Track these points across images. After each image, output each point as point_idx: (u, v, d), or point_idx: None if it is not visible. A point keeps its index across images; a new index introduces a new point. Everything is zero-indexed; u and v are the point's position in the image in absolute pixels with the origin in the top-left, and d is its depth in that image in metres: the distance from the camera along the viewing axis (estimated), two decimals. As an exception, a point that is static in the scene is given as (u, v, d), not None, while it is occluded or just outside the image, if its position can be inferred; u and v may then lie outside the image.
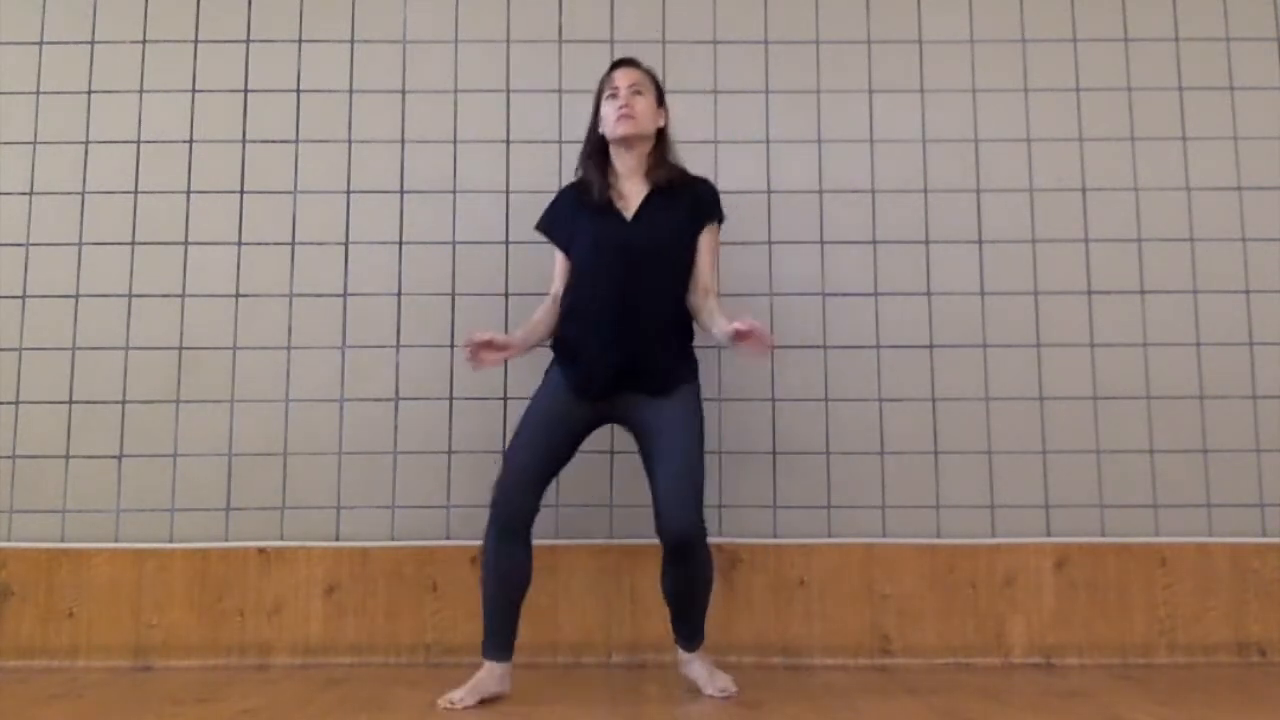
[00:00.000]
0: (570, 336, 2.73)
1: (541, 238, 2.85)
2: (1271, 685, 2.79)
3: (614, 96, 2.74)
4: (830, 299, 3.25)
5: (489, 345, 2.67)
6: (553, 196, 2.88)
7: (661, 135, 2.79)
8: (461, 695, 2.56)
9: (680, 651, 2.75)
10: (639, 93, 2.74)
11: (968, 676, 2.92)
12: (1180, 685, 2.77)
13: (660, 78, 2.85)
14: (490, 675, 2.62)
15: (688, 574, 2.64)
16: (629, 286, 2.66)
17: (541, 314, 2.80)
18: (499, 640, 2.64)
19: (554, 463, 2.69)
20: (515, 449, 2.67)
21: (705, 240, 2.77)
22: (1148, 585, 3.11)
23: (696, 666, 2.73)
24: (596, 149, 2.79)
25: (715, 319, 2.68)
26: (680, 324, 2.74)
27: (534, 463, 2.65)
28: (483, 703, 2.57)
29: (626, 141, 2.74)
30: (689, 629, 2.72)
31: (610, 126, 2.74)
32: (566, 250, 2.80)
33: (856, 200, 3.28)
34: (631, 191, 2.76)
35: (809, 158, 3.29)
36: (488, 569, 2.65)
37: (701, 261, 2.76)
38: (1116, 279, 3.26)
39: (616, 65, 2.81)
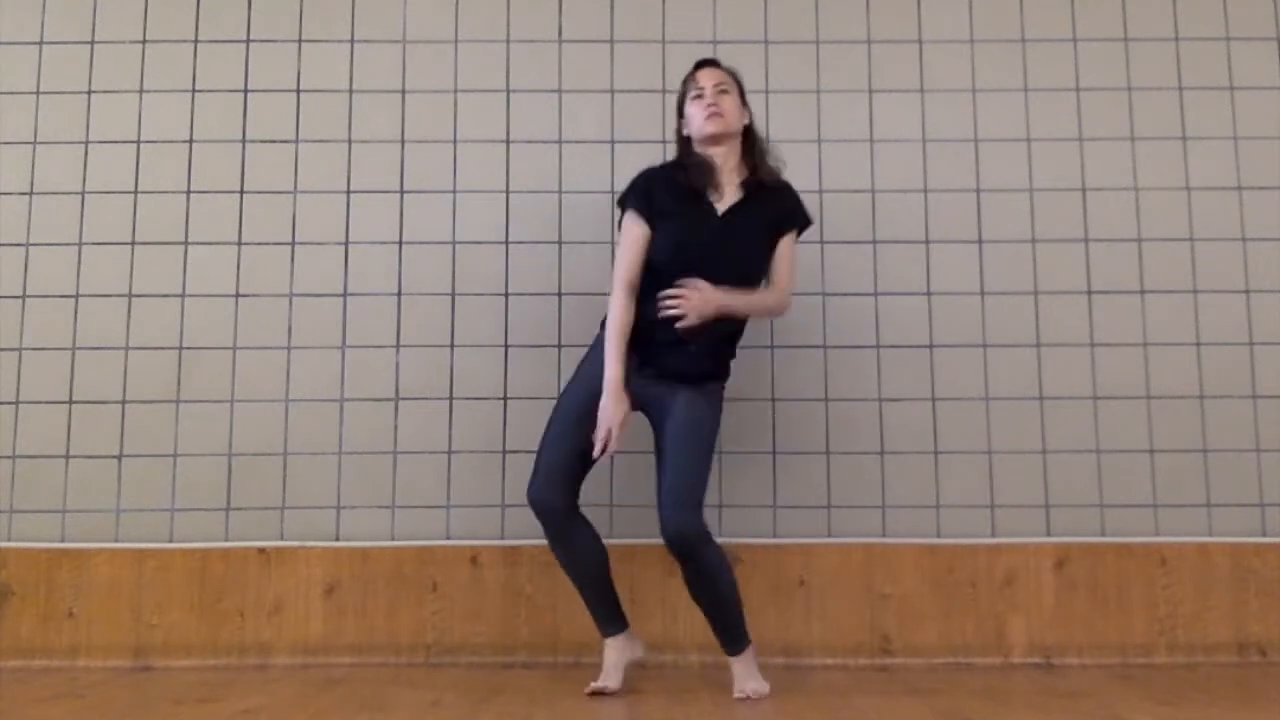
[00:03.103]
0: (644, 323, 2.67)
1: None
2: (1271, 685, 2.78)
3: (700, 97, 2.71)
4: (830, 299, 3.24)
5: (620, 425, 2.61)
6: (637, 176, 2.76)
7: (749, 133, 2.77)
8: (604, 681, 2.64)
9: (733, 660, 2.69)
10: (725, 91, 2.72)
11: (968, 676, 2.92)
12: (1180, 685, 2.77)
13: (741, 78, 2.80)
14: (617, 649, 2.70)
15: (699, 574, 2.61)
16: (711, 279, 2.63)
17: (628, 315, 2.66)
18: (605, 615, 2.71)
19: (586, 458, 2.65)
20: (547, 444, 2.67)
21: (784, 247, 2.76)
22: (1148, 585, 3.11)
23: (737, 667, 2.67)
24: (687, 152, 2.75)
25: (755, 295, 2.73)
26: (742, 322, 2.75)
27: (565, 458, 2.64)
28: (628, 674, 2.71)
29: (715, 139, 2.71)
30: (725, 632, 2.68)
31: (699, 125, 2.70)
32: (653, 227, 2.69)
33: (856, 200, 3.28)
34: (727, 186, 2.72)
35: (809, 158, 3.29)
36: (562, 564, 2.70)
37: (778, 267, 2.75)
38: (1116, 279, 3.25)
39: (700, 66, 2.78)
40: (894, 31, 3.34)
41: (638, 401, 2.70)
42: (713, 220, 2.69)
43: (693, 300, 2.60)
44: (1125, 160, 3.30)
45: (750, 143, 2.76)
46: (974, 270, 3.26)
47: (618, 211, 2.77)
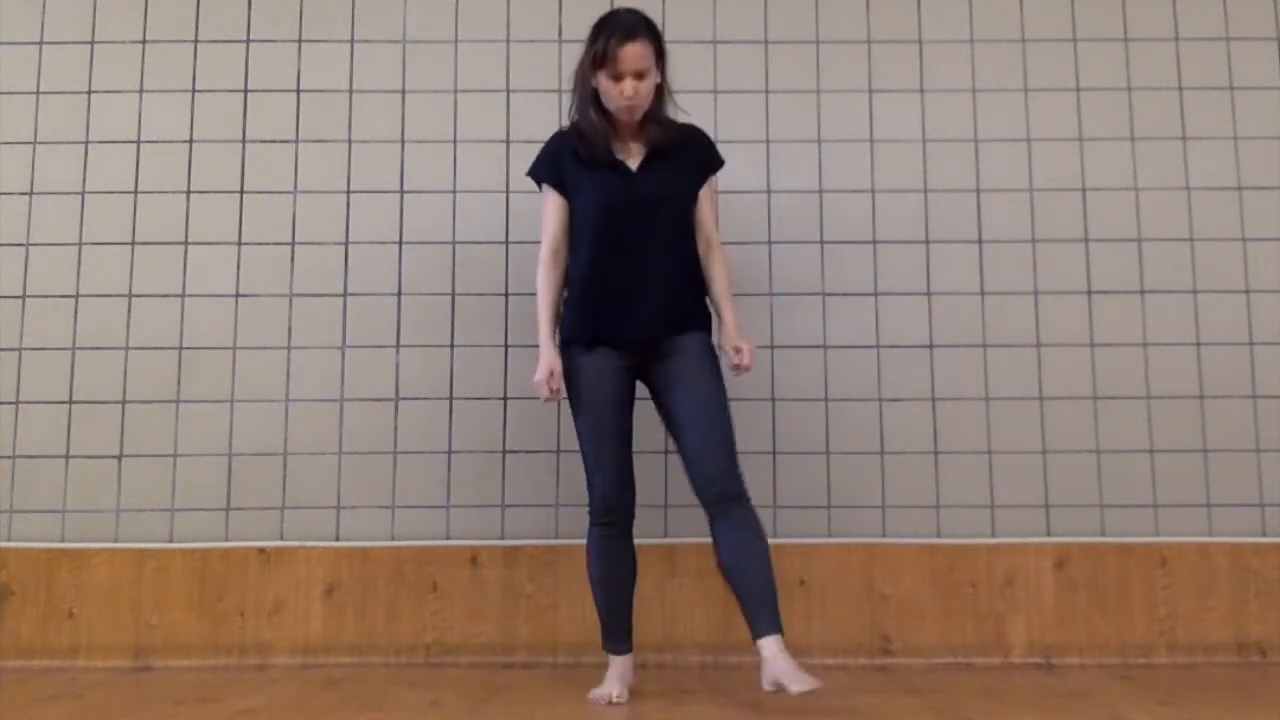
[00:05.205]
0: (589, 299, 2.64)
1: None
2: (1271, 685, 2.78)
3: (618, 80, 2.59)
4: (830, 299, 3.25)
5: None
6: (542, 149, 2.74)
7: (657, 91, 2.67)
8: (618, 690, 2.59)
9: (767, 641, 2.42)
10: (642, 76, 2.60)
11: (968, 676, 2.92)
12: (1180, 685, 2.77)
13: (660, 30, 2.68)
14: (626, 666, 2.66)
15: (742, 532, 2.50)
16: (641, 239, 2.61)
17: (553, 280, 2.67)
18: (627, 630, 2.67)
19: (629, 443, 2.66)
20: (595, 447, 2.62)
21: (706, 192, 2.73)
22: (1148, 585, 3.11)
23: (775, 649, 2.41)
24: (592, 101, 2.66)
25: (716, 287, 2.71)
26: (693, 270, 2.70)
27: (620, 454, 2.62)
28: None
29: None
30: (769, 605, 2.45)
31: (613, 108, 2.63)
32: (568, 197, 2.68)
33: (856, 200, 3.28)
34: (633, 144, 2.68)
35: (809, 158, 3.29)
36: (600, 573, 2.64)
37: (704, 213, 2.72)
38: (1116, 279, 3.26)
39: (623, 40, 2.56)
40: (894, 31, 3.34)
41: (640, 370, 2.66)
42: (630, 177, 2.66)
43: (748, 358, 2.66)
44: (1125, 160, 3.30)
45: (658, 99, 2.68)
46: (974, 270, 3.26)
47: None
